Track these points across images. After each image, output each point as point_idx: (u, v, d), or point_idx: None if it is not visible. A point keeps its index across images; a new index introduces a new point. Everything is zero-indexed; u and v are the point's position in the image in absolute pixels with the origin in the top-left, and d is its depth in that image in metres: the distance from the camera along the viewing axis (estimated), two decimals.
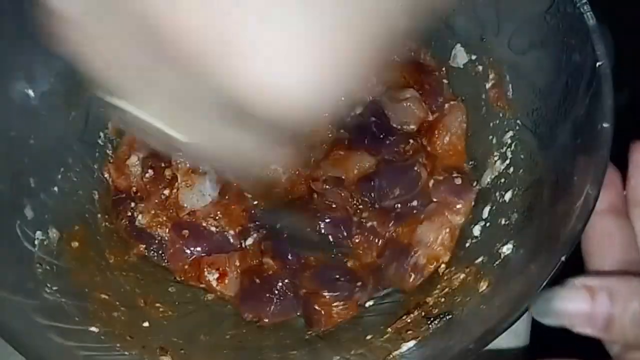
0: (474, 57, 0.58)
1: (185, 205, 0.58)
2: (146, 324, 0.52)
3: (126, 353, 0.47)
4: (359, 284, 0.53)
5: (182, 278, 0.57)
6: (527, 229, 0.46)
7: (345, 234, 0.55)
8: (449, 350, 0.40)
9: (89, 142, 0.59)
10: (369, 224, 0.56)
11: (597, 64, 0.42)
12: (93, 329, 0.47)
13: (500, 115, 0.55)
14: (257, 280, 0.55)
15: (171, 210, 0.58)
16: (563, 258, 0.38)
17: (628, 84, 0.74)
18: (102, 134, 0.61)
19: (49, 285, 0.48)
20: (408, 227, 0.55)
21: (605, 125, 0.40)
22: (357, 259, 0.55)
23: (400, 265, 0.54)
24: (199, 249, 0.57)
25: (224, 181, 0.58)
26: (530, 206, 0.47)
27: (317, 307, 0.53)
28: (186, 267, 0.57)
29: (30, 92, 0.54)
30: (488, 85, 0.56)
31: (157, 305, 0.55)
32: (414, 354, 0.44)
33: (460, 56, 0.59)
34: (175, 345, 0.50)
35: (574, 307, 0.36)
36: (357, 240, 0.55)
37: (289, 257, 0.55)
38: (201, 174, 0.58)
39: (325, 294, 0.53)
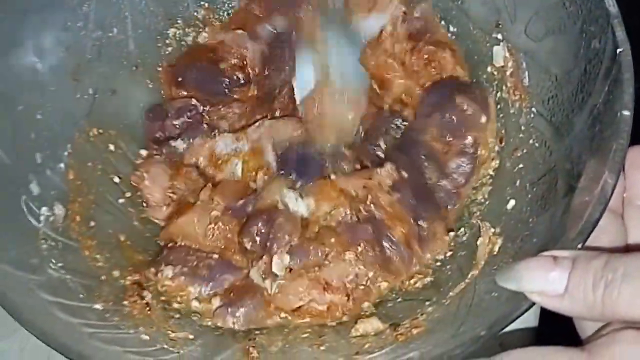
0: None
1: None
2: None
3: (131, 331, 0.46)
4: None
5: None
6: (540, 218, 0.45)
7: None
8: (460, 337, 0.39)
9: (97, 120, 0.59)
10: None
11: (618, 50, 0.42)
12: (97, 306, 0.47)
13: (516, 103, 0.54)
14: None
15: None
16: (579, 246, 0.37)
17: None
18: (109, 112, 0.60)
19: (53, 261, 0.48)
20: None
21: (625, 113, 0.40)
22: None
23: None
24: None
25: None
26: (544, 195, 0.47)
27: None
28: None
29: (39, 66, 0.54)
30: (507, 73, 0.55)
31: None
32: (424, 339, 0.44)
33: None
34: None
35: (533, 271, 0.36)
36: None
37: None
38: None
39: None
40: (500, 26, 0.55)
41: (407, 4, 0.62)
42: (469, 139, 0.56)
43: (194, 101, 0.62)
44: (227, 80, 0.63)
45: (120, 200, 0.58)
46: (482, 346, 0.37)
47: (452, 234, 0.54)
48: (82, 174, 0.56)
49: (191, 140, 0.60)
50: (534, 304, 0.37)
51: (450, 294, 0.47)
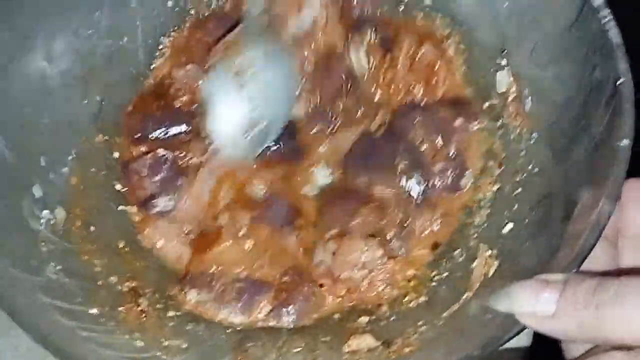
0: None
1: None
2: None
3: (126, 337, 0.46)
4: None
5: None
6: (536, 241, 0.46)
7: None
8: (452, 356, 0.40)
9: (103, 127, 0.59)
10: None
11: (619, 81, 0.42)
12: (94, 310, 0.47)
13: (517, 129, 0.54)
14: None
15: None
16: (574, 271, 0.37)
17: None
18: (115, 121, 0.60)
19: (53, 264, 0.48)
20: None
21: (624, 142, 0.40)
22: None
23: None
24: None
25: None
26: (541, 220, 0.47)
27: None
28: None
29: (48, 71, 0.54)
30: (509, 99, 0.56)
31: None
32: (416, 357, 0.44)
33: None
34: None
35: (524, 293, 0.37)
36: None
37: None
38: None
39: None
40: (504, 52, 0.56)
41: None
42: (451, 146, 0.57)
43: (161, 152, 0.59)
44: (183, 118, 0.60)
45: (121, 208, 0.58)
46: None
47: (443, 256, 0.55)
48: (85, 180, 0.56)
49: (175, 195, 0.58)
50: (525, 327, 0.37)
51: (444, 314, 0.48)
